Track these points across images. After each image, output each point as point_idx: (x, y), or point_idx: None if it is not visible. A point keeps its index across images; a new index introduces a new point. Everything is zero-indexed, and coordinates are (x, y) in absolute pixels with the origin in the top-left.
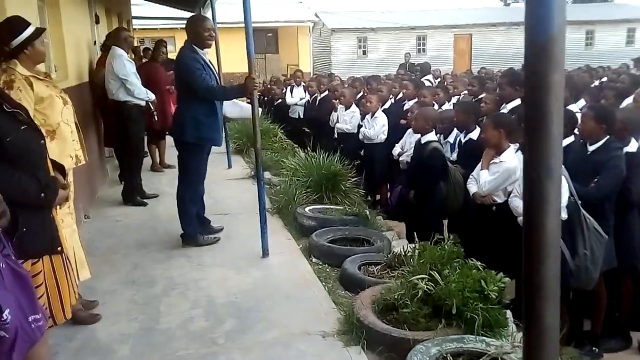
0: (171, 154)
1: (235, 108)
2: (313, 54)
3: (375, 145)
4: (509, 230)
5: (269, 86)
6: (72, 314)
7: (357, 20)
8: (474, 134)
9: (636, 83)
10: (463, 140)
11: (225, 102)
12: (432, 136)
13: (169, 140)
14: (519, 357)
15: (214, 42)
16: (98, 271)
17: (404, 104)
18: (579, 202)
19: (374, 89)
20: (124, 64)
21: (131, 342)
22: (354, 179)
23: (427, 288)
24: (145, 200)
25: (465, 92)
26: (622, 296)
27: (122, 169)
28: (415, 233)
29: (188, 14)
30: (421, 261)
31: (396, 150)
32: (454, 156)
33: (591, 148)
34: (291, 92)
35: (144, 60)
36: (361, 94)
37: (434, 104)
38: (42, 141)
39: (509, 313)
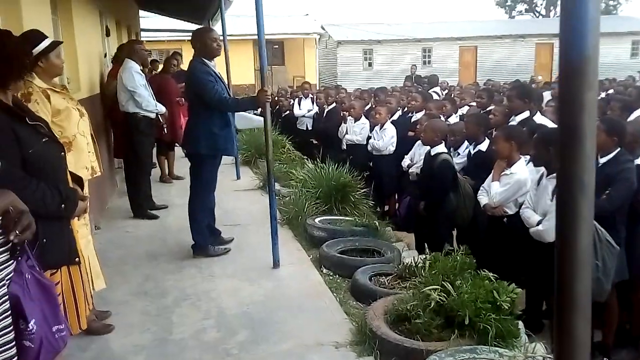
0: (179, 165)
1: (244, 120)
2: (319, 65)
3: (384, 156)
4: (519, 242)
5: (276, 98)
6: (86, 324)
7: (363, 33)
8: (483, 146)
9: None
10: (472, 152)
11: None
12: (441, 148)
13: (178, 151)
14: None
15: (222, 52)
16: (110, 282)
17: (411, 116)
18: None
19: (382, 101)
20: (132, 76)
21: (145, 353)
22: (363, 190)
23: (439, 299)
24: (155, 213)
25: (474, 104)
26: (633, 307)
27: (128, 180)
28: (426, 244)
29: (195, 27)
30: (433, 272)
31: (405, 161)
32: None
33: (602, 160)
34: (299, 103)
35: (154, 72)
36: (369, 105)
37: (441, 116)
38: (62, 153)
39: (520, 324)
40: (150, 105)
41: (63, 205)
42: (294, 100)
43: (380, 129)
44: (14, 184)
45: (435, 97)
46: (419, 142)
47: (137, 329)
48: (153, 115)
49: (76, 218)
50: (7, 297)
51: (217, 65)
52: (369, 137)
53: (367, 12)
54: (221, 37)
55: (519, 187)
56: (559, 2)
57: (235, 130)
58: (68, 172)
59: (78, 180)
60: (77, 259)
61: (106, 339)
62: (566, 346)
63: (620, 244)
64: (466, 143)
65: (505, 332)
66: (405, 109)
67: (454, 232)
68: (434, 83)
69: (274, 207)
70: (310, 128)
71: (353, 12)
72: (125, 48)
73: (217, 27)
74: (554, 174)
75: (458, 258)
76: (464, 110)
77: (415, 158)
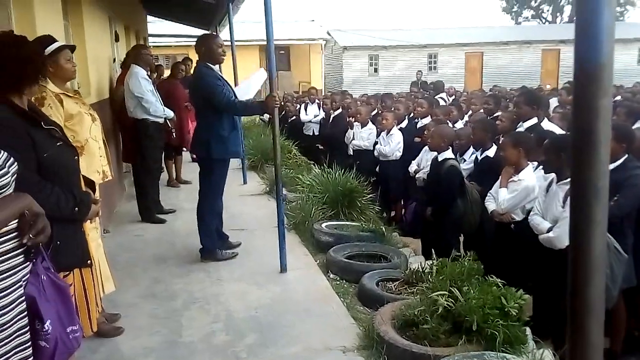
0: (187, 170)
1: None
2: (325, 71)
3: (391, 162)
4: (527, 248)
5: (282, 103)
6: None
7: (369, 38)
8: (491, 152)
9: None
10: (479, 158)
11: (237, 91)
12: (449, 154)
13: (186, 156)
14: None
15: (229, 57)
16: (119, 285)
17: (417, 122)
18: None
19: (388, 107)
20: (139, 82)
21: (154, 355)
22: (369, 196)
23: (447, 304)
24: (163, 218)
25: (481, 110)
26: None
27: (136, 185)
28: (432, 250)
29: (202, 32)
30: (441, 277)
31: (412, 167)
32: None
33: (610, 167)
34: (305, 109)
35: (162, 78)
36: (376, 111)
37: (447, 122)
38: (76, 157)
39: (528, 330)
40: (159, 111)
41: (77, 209)
42: (300, 106)
43: (387, 134)
44: (29, 188)
45: (441, 103)
46: (426, 147)
47: (147, 331)
48: (161, 121)
49: (88, 221)
50: (24, 298)
51: (225, 70)
52: (375, 143)
53: (373, 18)
54: (226, 44)
55: (527, 193)
56: (565, 8)
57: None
58: (81, 176)
59: (90, 184)
60: (89, 262)
61: (116, 342)
62: (580, 350)
63: (628, 251)
64: (472, 149)
65: (513, 338)
66: (412, 114)
67: (461, 238)
68: (440, 89)
69: (282, 212)
70: (316, 133)
71: (359, 17)
72: (132, 53)
73: (224, 33)
74: (565, 180)
75: (465, 264)
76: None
77: (422, 163)
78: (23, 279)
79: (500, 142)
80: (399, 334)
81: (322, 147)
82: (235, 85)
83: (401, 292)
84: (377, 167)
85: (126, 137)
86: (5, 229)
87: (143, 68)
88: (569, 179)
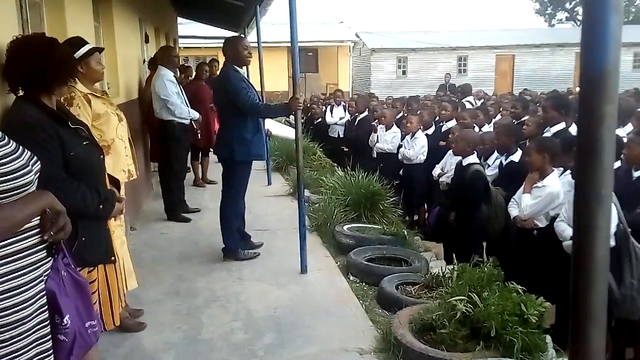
0: (213, 170)
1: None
2: (352, 73)
3: (414, 165)
4: (549, 255)
5: (308, 105)
6: (120, 322)
7: (398, 40)
8: (515, 157)
9: None
10: (504, 163)
11: None
12: (473, 158)
13: (212, 156)
14: None
15: (255, 59)
16: (144, 281)
17: (442, 125)
18: (629, 230)
19: (414, 110)
20: (164, 84)
21: (175, 351)
22: (392, 199)
23: (465, 310)
24: (188, 217)
25: (508, 114)
26: None
27: (162, 184)
28: (454, 254)
29: (231, 34)
30: (460, 283)
31: (436, 171)
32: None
33: (637, 174)
34: (331, 111)
35: (189, 79)
36: (401, 114)
37: (474, 126)
38: (101, 156)
39: (548, 338)
40: (184, 113)
41: (101, 206)
42: (326, 108)
43: (411, 137)
44: (56, 185)
45: (468, 106)
46: (450, 151)
47: (168, 327)
48: (187, 122)
49: (113, 219)
50: (44, 292)
51: (251, 72)
52: (400, 146)
53: (402, 20)
54: (253, 46)
55: (551, 200)
56: None
57: (267, 136)
58: (106, 175)
59: (115, 182)
60: (113, 258)
61: (139, 337)
62: (581, 355)
63: None
64: (496, 154)
65: (532, 346)
66: (437, 118)
67: (484, 243)
68: (467, 92)
69: (303, 214)
70: (341, 136)
71: (388, 19)
72: (159, 55)
73: (252, 35)
74: None
75: (486, 269)
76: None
77: (446, 167)
78: (44, 274)
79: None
80: (417, 337)
81: (346, 150)
82: (262, 87)
83: (421, 296)
84: (401, 171)
85: (153, 138)
86: (27, 225)
87: (170, 70)
88: None
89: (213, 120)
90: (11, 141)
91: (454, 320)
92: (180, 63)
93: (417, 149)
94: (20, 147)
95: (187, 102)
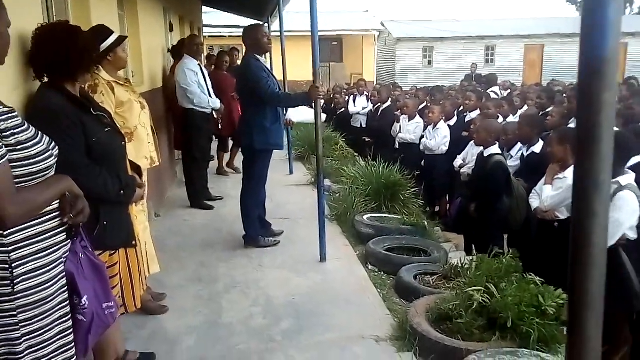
0: (240, 159)
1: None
2: (377, 63)
3: (436, 156)
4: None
5: (331, 95)
6: (142, 305)
7: (424, 30)
8: (537, 148)
9: None
10: (525, 154)
11: None
12: (495, 149)
13: None
14: None
15: (277, 48)
16: (167, 267)
17: (465, 116)
18: None
19: (437, 100)
20: (185, 73)
21: (196, 334)
22: (413, 190)
23: (482, 300)
24: (211, 204)
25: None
26: None
27: (185, 172)
28: (473, 246)
29: (255, 22)
30: (478, 273)
31: (457, 162)
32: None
33: None
34: (354, 101)
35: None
36: (424, 104)
37: (498, 117)
38: (123, 143)
39: (566, 330)
40: (203, 102)
41: (122, 192)
42: (349, 98)
43: (433, 128)
44: (79, 170)
45: (493, 97)
46: (472, 142)
47: (190, 311)
48: (208, 111)
49: (134, 204)
50: (64, 274)
51: (274, 61)
52: (422, 137)
53: (428, 9)
54: (275, 35)
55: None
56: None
57: (289, 126)
58: (128, 161)
59: (137, 169)
60: (134, 242)
61: (161, 319)
62: (578, 342)
63: None
64: (519, 145)
65: (548, 337)
66: (461, 108)
67: (506, 235)
68: (493, 82)
69: (323, 203)
70: (364, 126)
71: (414, 8)
72: (182, 44)
73: (276, 24)
74: (615, 179)
75: (504, 261)
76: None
77: (467, 158)
78: (64, 256)
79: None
80: (433, 327)
81: (368, 140)
82: (284, 77)
83: (439, 286)
84: (423, 161)
85: (177, 126)
86: (48, 208)
87: (194, 59)
88: (618, 178)
89: (236, 109)
90: (31, 127)
91: (470, 311)
92: (205, 52)
93: (439, 139)
94: (40, 132)
95: (210, 91)
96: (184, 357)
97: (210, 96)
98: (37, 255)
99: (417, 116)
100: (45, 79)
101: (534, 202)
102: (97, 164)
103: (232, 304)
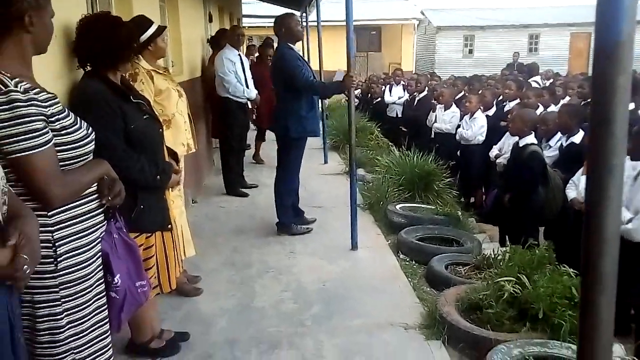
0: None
1: None
2: (416, 52)
3: (472, 146)
4: None
5: (368, 85)
6: (178, 286)
7: (465, 18)
8: (577, 138)
9: None
10: (565, 144)
11: None
12: (531, 139)
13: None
14: None
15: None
16: (203, 252)
17: (505, 105)
18: None
19: (475, 89)
20: (222, 62)
21: (228, 316)
22: (447, 180)
23: (513, 290)
24: (246, 191)
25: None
26: None
27: (222, 160)
28: (507, 237)
29: (293, 12)
30: (510, 264)
31: (493, 152)
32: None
33: None
34: (390, 90)
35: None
36: (462, 94)
37: (538, 106)
38: (160, 130)
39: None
40: (238, 91)
41: (159, 177)
42: (385, 87)
43: (470, 118)
44: (118, 156)
45: (534, 86)
46: (509, 131)
47: (223, 295)
48: (243, 100)
49: (171, 189)
50: (100, 253)
51: (311, 51)
52: (458, 126)
53: None
54: (312, 25)
55: None
56: None
57: (326, 115)
58: (165, 147)
59: (174, 155)
60: (169, 226)
61: (195, 301)
62: (590, 323)
63: None
64: (559, 135)
65: None
66: (500, 97)
67: (542, 227)
68: (534, 72)
69: (355, 191)
70: (400, 115)
71: None
72: (219, 34)
73: (313, 14)
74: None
75: (537, 252)
76: (566, 101)
77: (504, 148)
78: (101, 236)
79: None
80: (463, 316)
81: (404, 129)
82: (320, 66)
83: (470, 276)
84: (458, 151)
85: (214, 115)
86: (88, 190)
87: (234, 48)
88: None
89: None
90: (70, 113)
91: (501, 301)
92: (245, 42)
93: (475, 129)
94: (78, 118)
95: (248, 82)
96: (217, 337)
97: (247, 86)
98: (78, 235)
99: (454, 106)
100: (88, 68)
101: (571, 193)
102: (135, 150)
103: (264, 288)
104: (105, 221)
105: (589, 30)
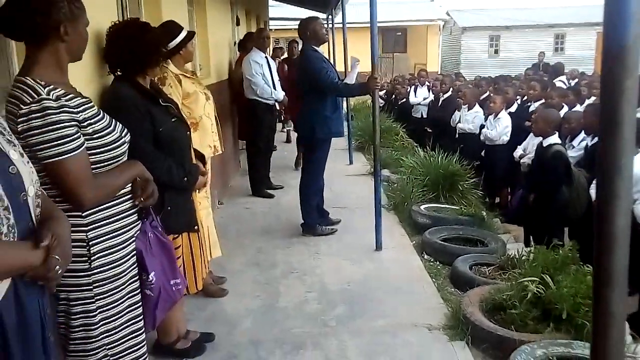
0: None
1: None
2: (442, 53)
3: (497, 146)
4: (631, 240)
5: (393, 85)
6: (204, 287)
7: (490, 18)
8: None
9: None
10: (590, 144)
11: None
12: (554, 139)
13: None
14: None
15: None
16: (228, 252)
17: (529, 105)
18: None
19: (499, 89)
20: (250, 65)
21: (253, 316)
22: (472, 180)
23: (537, 291)
24: (272, 192)
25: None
26: None
27: (248, 161)
28: (531, 237)
29: (319, 15)
30: (533, 264)
31: (517, 152)
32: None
33: None
34: (415, 91)
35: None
36: (487, 94)
37: (562, 106)
38: (188, 132)
39: (625, 323)
40: (266, 93)
41: (186, 179)
42: (410, 88)
43: (494, 118)
44: (146, 157)
45: (560, 86)
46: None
47: (248, 295)
48: (271, 102)
49: (197, 191)
50: (135, 251)
51: (337, 52)
52: (482, 127)
53: None
54: (335, 25)
55: (635, 182)
56: None
57: (351, 116)
58: (192, 149)
59: (201, 157)
60: (196, 227)
61: (221, 302)
62: (602, 319)
63: None
64: (582, 134)
65: None
66: (525, 97)
67: (567, 228)
68: (560, 72)
69: (379, 192)
70: (425, 116)
71: None
72: (247, 37)
73: (339, 16)
74: None
75: (561, 252)
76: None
77: (528, 148)
78: (134, 235)
79: None
80: (486, 317)
81: (429, 130)
82: (345, 68)
83: (495, 277)
84: (483, 152)
85: (241, 117)
86: (122, 191)
87: (261, 51)
88: None
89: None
90: (106, 115)
91: (525, 301)
92: (272, 45)
93: (499, 129)
94: (114, 121)
95: (275, 83)
96: (241, 338)
97: (274, 88)
98: (111, 235)
99: (477, 106)
100: (118, 73)
101: (595, 192)
102: (163, 152)
103: (288, 289)
104: (139, 221)
105: None
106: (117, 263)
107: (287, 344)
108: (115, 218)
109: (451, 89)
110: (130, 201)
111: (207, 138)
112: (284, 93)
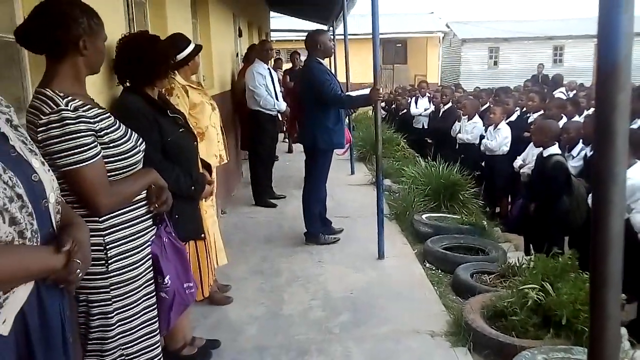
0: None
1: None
2: (442, 65)
3: (497, 157)
4: (628, 248)
5: (394, 97)
6: (209, 295)
7: (489, 30)
8: None
9: None
10: (589, 154)
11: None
12: (554, 149)
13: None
14: None
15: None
16: (232, 261)
17: (528, 116)
18: None
19: (499, 101)
20: (253, 76)
21: (258, 324)
22: (473, 190)
23: (537, 298)
24: (274, 202)
25: None
26: None
27: (251, 171)
28: (531, 245)
29: (319, 26)
30: (534, 272)
31: (517, 162)
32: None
33: None
34: (416, 102)
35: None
36: (487, 105)
37: (561, 117)
38: (195, 142)
39: (623, 330)
40: (269, 104)
41: (193, 187)
42: (411, 99)
43: (494, 128)
44: (154, 166)
45: (559, 97)
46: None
47: (253, 303)
48: (274, 113)
49: (204, 199)
50: (150, 255)
51: (338, 64)
52: (482, 137)
53: (494, 9)
54: (339, 38)
55: (633, 191)
56: None
57: (353, 126)
58: (199, 159)
59: (207, 166)
60: (203, 235)
61: (225, 309)
62: (599, 322)
63: None
64: (581, 144)
65: None
66: (524, 109)
67: (567, 237)
68: (559, 83)
69: (382, 201)
70: (426, 127)
71: (480, 8)
72: (251, 48)
73: (340, 28)
74: None
75: (560, 260)
76: (591, 112)
77: (528, 159)
78: (150, 240)
79: None
80: (488, 323)
81: (430, 141)
82: (347, 79)
83: (496, 285)
84: (483, 162)
85: (243, 127)
86: (137, 197)
87: (264, 62)
88: None
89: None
90: (122, 125)
91: (525, 308)
92: (274, 56)
93: (499, 139)
94: (129, 130)
95: (277, 94)
96: (246, 345)
97: (277, 99)
98: (127, 239)
99: (476, 116)
100: (127, 84)
101: None
102: (171, 161)
103: (292, 296)
104: (154, 225)
105: None
106: (133, 266)
107: (292, 350)
108: (131, 223)
109: (451, 101)
110: (146, 207)
111: (213, 148)
112: (285, 104)
